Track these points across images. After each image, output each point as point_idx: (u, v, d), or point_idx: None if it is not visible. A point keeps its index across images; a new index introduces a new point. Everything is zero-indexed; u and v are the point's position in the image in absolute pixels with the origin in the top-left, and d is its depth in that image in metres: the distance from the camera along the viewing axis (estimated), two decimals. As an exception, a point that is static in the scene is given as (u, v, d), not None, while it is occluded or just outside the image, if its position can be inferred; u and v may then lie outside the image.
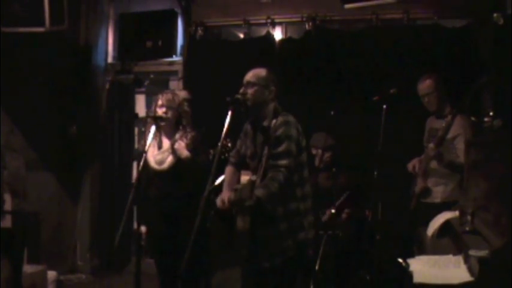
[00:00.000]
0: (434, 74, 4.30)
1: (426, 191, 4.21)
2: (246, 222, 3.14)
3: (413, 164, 4.28)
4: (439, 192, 4.18)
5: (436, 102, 4.24)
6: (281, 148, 3.13)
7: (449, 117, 4.00)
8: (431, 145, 4.10)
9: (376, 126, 4.12)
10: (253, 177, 3.17)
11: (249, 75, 3.30)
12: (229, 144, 3.38)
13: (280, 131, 3.15)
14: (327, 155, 4.70)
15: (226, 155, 3.37)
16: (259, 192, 3.07)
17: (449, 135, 4.07)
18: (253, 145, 3.34)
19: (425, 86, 4.26)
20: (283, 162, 3.10)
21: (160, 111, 3.85)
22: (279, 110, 3.26)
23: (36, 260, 5.36)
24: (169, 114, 3.87)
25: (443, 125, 4.02)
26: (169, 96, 3.93)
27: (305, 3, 5.53)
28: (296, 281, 3.30)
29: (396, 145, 4.72)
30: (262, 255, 3.21)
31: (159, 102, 3.89)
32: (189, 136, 3.89)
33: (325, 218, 4.50)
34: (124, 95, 6.29)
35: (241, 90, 3.26)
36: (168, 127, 3.92)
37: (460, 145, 4.03)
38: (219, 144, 3.22)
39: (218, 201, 3.30)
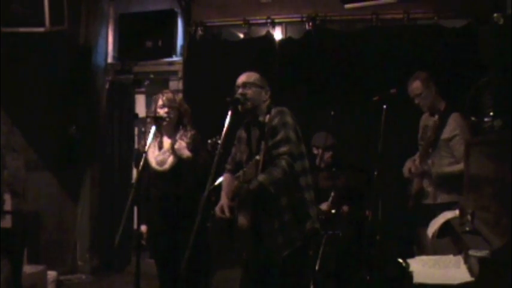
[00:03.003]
0: (423, 73, 4.20)
1: (423, 192, 4.13)
2: (247, 219, 3.13)
3: (408, 168, 4.20)
4: (436, 194, 4.07)
5: (427, 102, 4.15)
6: (279, 136, 3.12)
7: (437, 117, 3.91)
8: (416, 163, 4.06)
9: (376, 126, 4.12)
10: (257, 157, 3.15)
11: (244, 77, 3.31)
12: (219, 141, 3.37)
13: (275, 121, 3.16)
14: (328, 154, 4.71)
15: (216, 152, 3.35)
16: (261, 177, 3.05)
17: (445, 136, 4.00)
18: (248, 149, 3.33)
19: (413, 87, 4.17)
20: (284, 149, 3.10)
21: (162, 112, 3.85)
22: (271, 106, 3.28)
23: (36, 260, 5.36)
24: (171, 114, 3.87)
25: (432, 124, 3.94)
26: (170, 95, 3.92)
27: (305, 3, 5.53)
28: (304, 273, 3.29)
29: (396, 145, 4.72)
30: (269, 249, 3.19)
31: (160, 102, 3.88)
32: (189, 135, 3.88)
33: (323, 207, 4.52)
34: (124, 95, 6.30)
35: (239, 91, 3.27)
36: (169, 127, 3.92)
37: (457, 146, 3.94)
38: (209, 141, 3.24)
39: (217, 210, 3.29)
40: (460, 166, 3.89)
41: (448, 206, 3.61)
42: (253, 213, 3.14)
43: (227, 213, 3.22)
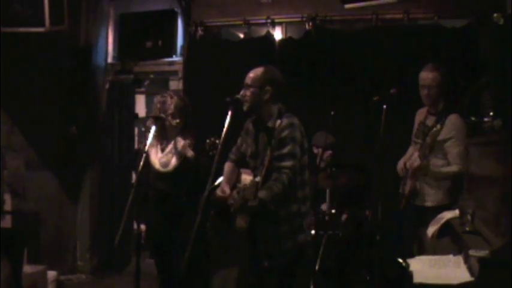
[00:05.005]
0: (442, 67, 4.07)
1: (416, 193, 4.05)
2: (245, 221, 3.15)
3: (401, 167, 4.15)
4: (431, 196, 4.02)
5: (435, 97, 4.03)
6: (285, 150, 3.13)
7: (439, 125, 3.79)
8: (416, 164, 3.92)
9: (376, 126, 4.12)
10: (257, 179, 3.18)
11: (247, 77, 3.31)
12: (217, 141, 3.38)
13: (285, 133, 3.16)
14: (327, 153, 4.71)
15: (214, 151, 3.35)
16: (262, 194, 3.07)
17: (441, 137, 3.89)
18: (254, 144, 3.34)
19: (430, 77, 4.01)
20: (287, 164, 3.11)
21: (174, 122, 3.84)
22: (283, 111, 3.27)
23: (36, 260, 5.36)
24: (180, 121, 3.87)
25: (434, 129, 3.83)
26: (180, 103, 3.89)
27: (305, 3, 5.53)
28: (296, 283, 3.30)
29: (396, 145, 4.71)
30: (262, 256, 3.22)
31: (171, 111, 3.86)
32: (191, 134, 3.89)
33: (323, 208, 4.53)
34: (124, 95, 6.29)
35: (241, 92, 3.27)
36: (175, 131, 3.92)
37: (451, 149, 3.89)
38: (207, 141, 3.26)
39: (218, 191, 3.32)
40: (452, 168, 3.87)
41: (447, 208, 3.60)
42: (252, 218, 3.16)
43: (227, 191, 3.28)
